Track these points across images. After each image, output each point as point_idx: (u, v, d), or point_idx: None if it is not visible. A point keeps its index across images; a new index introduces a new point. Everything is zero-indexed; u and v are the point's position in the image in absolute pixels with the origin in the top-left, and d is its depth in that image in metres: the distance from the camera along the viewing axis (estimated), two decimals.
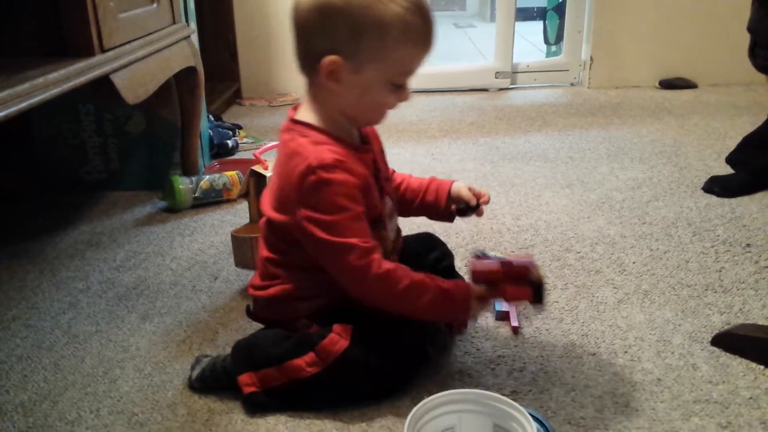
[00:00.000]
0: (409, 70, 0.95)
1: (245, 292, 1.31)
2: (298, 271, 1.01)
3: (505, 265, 0.98)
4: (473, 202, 1.12)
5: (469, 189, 1.13)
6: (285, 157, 0.96)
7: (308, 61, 0.94)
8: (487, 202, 1.12)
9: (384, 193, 1.04)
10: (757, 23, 1.55)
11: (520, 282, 0.97)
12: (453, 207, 1.12)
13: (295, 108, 1.01)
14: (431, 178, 1.15)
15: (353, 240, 0.92)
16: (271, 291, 1.02)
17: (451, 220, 1.14)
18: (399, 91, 0.95)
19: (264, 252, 1.04)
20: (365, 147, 1.02)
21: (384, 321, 0.96)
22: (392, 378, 0.99)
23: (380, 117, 0.99)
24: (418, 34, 0.92)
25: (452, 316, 1.03)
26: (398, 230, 1.11)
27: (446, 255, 1.20)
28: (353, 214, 0.93)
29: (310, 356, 0.95)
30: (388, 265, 0.94)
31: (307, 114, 0.98)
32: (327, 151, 0.92)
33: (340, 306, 0.99)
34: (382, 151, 1.09)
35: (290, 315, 1.02)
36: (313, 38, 0.92)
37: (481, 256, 1.03)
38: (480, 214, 1.11)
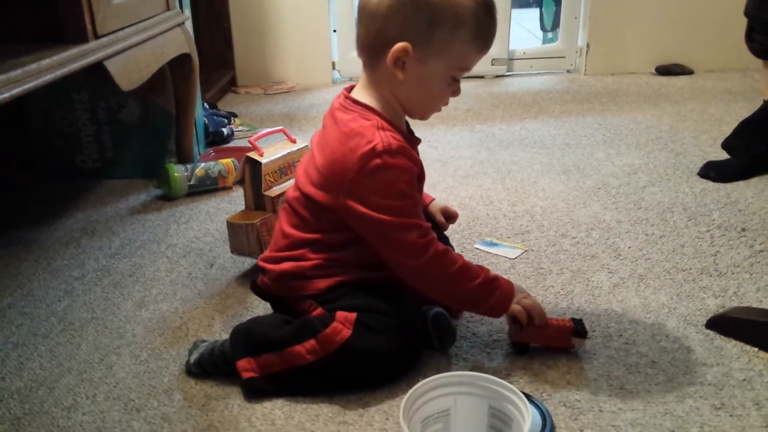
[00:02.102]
0: (468, 67, 0.97)
1: (241, 278, 1.31)
2: (321, 248, 1.00)
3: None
4: (445, 228, 1.20)
5: (443, 211, 1.20)
6: (343, 136, 0.96)
7: (377, 45, 0.94)
8: (454, 222, 1.22)
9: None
10: (754, 8, 1.55)
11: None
12: None
13: (349, 88, 1.02)
14: None
15: (415, 220, 0.95)
16: (285, 266, 1.02)
17: None
18: (453, 85, 0.98)
19: (287, 227, 1.03)
20: (416, 138, 1.05)
21: (391, 306, 0.97)
22: (393, 368, 0.99)
23: (433, 110, 1.02)
24: (486, 33, 0.95)
25: (492, 306, 1.00)
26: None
27: (442, 239, 1.19)
28: (414, 200, 0.96)
29: (310, 343, 0.94)
30: (443, 246, 0.97)
31: (366, 97, 0.99)
32: (391, 137, 0.94)
33: (349, 285, 0.99)
34: None
35: (297, 293, 1.02)
36: (384, 24, 0.93)
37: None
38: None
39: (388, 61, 0.93)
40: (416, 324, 1.00)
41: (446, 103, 1.02)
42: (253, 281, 1.10)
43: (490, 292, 0.99)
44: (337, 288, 1.00)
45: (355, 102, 0.98)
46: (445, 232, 1.23)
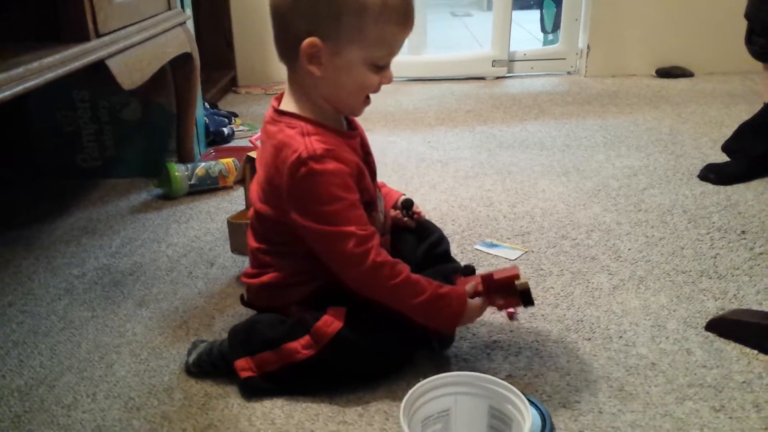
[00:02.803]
0: (391, 50, 0.94)
1: (241, 278, 1.31)
2: (286, 259, 1.01)
3: (486, 279, 0.98)
4: (411, 225, 1.17)
5: (404, 205, 1.16)
6: (273, 149, 0.95)
7: (288, 45, 0.92)
8: (417, 218, 1.18)
9: (376, 179, 1.04)
10: (755, 10, 1.55)
11: (508, 293, 0.98)
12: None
13: (278, 98, 1.00)
14: (381, 183, 1.14)
15: (351, 228, 0.92)
16: (264, 279, 1.03)
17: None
18: (381, 72, 0.94)
19: (252, 242, 1.05)
20: (352, 132, 1.02)
21: (377, 305, 0.97)
22: (387, 359, 0.99)
23: (361, 101, 0.98)
24: (398, 12, 0.90)
25: (443, 322, 0.98)
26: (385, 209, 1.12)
27: (442, 240, 1.19)
28: (348, 203, 0.93)
29: (305, 339, 0.95)
30: (387, 256, 0.94)
31: (291, 104, 0.97)
32: (316, 142, 0.91)
33: (330, 291, 0.99)
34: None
35: (282, 302, 1.03)
36: (292, 21, 0.91)
37: (467, 273, 1.05)
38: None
39: (300, 60, 0.91)
40: (405, 317, 1.00)
41: (376, 91, 0.97)
42: (242, 296, 1.10)
43: (438, 308, 0.95)
44: (319, 292, 1.01)
45: (281, 113, 0.97)
46: (446, 234, 1.23)
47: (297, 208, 0.93)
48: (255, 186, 1.04)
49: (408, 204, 1.16)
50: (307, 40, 0.89)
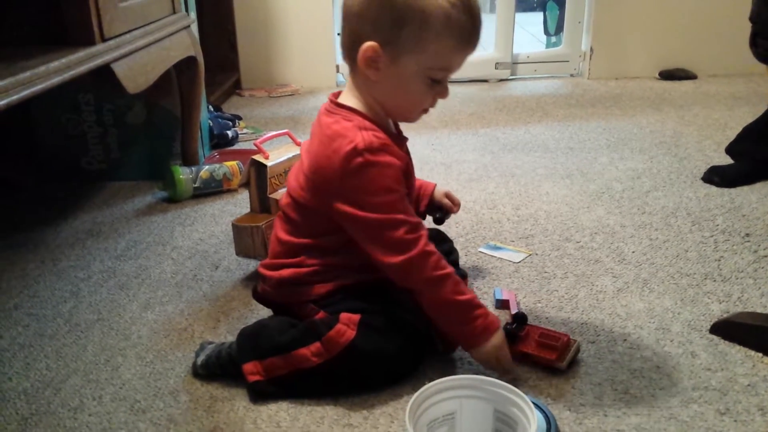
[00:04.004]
0: (448, 66, 0.95)
1: (246, 281, 1.31)
2: (319, 254, 1.01)
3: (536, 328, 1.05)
4: (454, 210, 1.20)
5: (446, 195, 1.19)
6: (326, 139, 0.96)
7: (351, 46, 0.94)
8: (458, 207, 1.21)
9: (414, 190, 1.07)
10: (759, 13, 1.55)
11: (549, 348, 1.01)
12: (433, 215, 1.20)
13: (336, 94, 1.02)
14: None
15: (402, 216, 0.93)
16: (285, 273, 1.02)
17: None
18: (436, 87, 0.96)
19: (283, 234, 1.04)
20: (403, 137, 1.05)
21: (392, 307, 0.97)
22: (398, 368, 0.99)
23: (416, 113, 1.00)
24: (461, 30, 0.92)
25: (468, 332, 0.96)
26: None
27: (452, 251, 1.22)
28: (399, 195, 0.95)
29: (316, 346, 0.95)
30: (434, 248, 0.95)
31: (350, 99, 0.99)
32: (372, 135, 0.93)
33: (350, 291, 1.00)
34: None
35: (299, 298, 1.02)
36: (357, 24, 0.93)
37: (520, 321, 1.06)
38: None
39: (359, 62, 0.93)
40: (418, 324, 1.00)
41: (431, 105, 0.99)
42: (254, 288, 1.10)
43: (473, 315, 0.94)
44: (338, 292, 1.01)
45: (339, 105, 0.99)
46: (450, 236, 1.23)
47: (347, 196, 0.93)
48: (295, 175, 1.04)
49: (440, 220, 1.21)
50: (368, 44, 0.91)
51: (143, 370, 1.05)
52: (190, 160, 1.90)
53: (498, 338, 0.96)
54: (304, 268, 1.01)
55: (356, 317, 0.95)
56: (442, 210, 1.20)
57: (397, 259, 0.93)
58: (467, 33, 0.93)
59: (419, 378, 0.99)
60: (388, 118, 1.02)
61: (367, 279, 1.01)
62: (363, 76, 0.95)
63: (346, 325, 0.95)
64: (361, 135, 0.93)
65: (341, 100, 1.00)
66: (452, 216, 1.23)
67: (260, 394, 0.97)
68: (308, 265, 1.01)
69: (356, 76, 0.97)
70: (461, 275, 1.15)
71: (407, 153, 1.04)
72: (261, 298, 1.09)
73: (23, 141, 1.89)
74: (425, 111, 1.00)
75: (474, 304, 0.95)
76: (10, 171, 1.88)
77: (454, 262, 1.19)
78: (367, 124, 0.95)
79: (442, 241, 1.20)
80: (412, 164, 1.05)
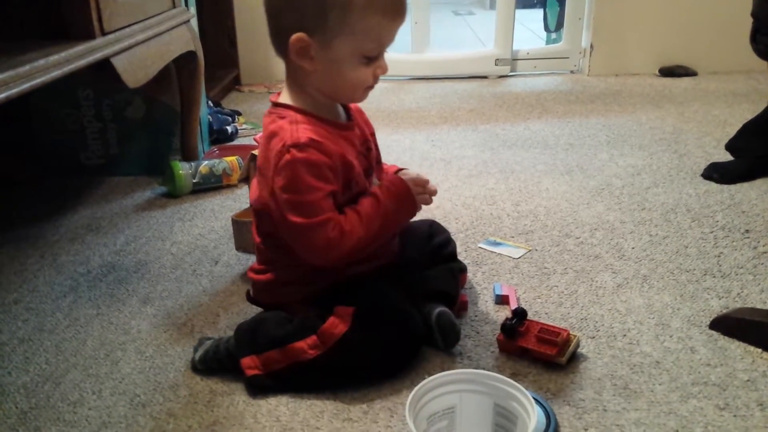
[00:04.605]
0: (380, 41, 0.93)
1: (246, 275, 1.31)
2: (286, 257, 1.01)
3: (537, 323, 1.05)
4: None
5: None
6: (265, 140, 0.96)
7: (280, 40, 0.93)
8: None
9: (372, 174, 1.05)
10: (761, 9, 1.55)
11: (549, 343, 1.02)
12: None
13: (278, 94, 1.02)
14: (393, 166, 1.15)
15: (324, 216, 0.93)
16: (268, 276, 1.04)
17: None
18: (374, 64, 0.94)
19: (256, 237, 1.05)
20: (349, 124, 1.02)
21: (383, 297, 0.97)
22: (393, 360, 0.99)
23: (360, 93, 0.98)
24: (384, 3, 0.90)
25: (408, 214, 1.02)
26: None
27: (449, 242, 1.20)
28: (323, 193, 0.93)
29: (312, 339, 0.95)
30: (340, 218, 0.95)
31: (286, 96, 0.99)
32: (303, 130, 0.92)
33: (333, 293, 1.00)
34: (373, 134, 1.09)
35: (286, 299, 1.03)
36: (281, 17, 0.92)
37: (520, 316, 1.06)
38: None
39: (290, 55, 0.92)
40: (413, 315, 1.01)
41: (374, 82, 0.97)
42: (248, 292, 1.11)
43: (386, 204, 0.98)
44: (325, 293, 1.01)
45: (276, 105, 0.99)
46: (450, 231, 1.23)
47: (275, 196, 0.93)
48: (255, 181, 1.04)
49: None
50: (295, 36, 0.90)
51: (143, 365, 1.05)
52: (189, 155, 1.89)
53: (403, 186, 1.00)
54: (279, 270, 1.02)
55: (350, 309, 0.96)
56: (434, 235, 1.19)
57: (328, 256, 0.95)
58: (390, 4, 0.91)
59: (419, 372, 0.99)
60: (335, 103, 1.01)
61: (362, 270, 1.01)
62: (298, 68, 0.94)
63: (341, 317, 0.95)
64: (290, 131, 0.92)
65: (281, 99, 0.99)
66: (453, 212, 1.23)
67: (259, 388, 0.97)
68: (283, 267, 1.02)
69: (292, 69, 0.96)
70: (460, 268, 1.17)
71: (364, 142, 1.03)
72: (254, 301, 1.10)
73: (22, 136, 1.89)
74: (370, 88, 0.98)
75: (380, 201, 0.98)
76: (9, 166, 1.88)
77: (451, 255, 1.17)
78: (299, 117, 0.95)
79: (435, 233, 1.18)
80: (370, 156, 1.04)
